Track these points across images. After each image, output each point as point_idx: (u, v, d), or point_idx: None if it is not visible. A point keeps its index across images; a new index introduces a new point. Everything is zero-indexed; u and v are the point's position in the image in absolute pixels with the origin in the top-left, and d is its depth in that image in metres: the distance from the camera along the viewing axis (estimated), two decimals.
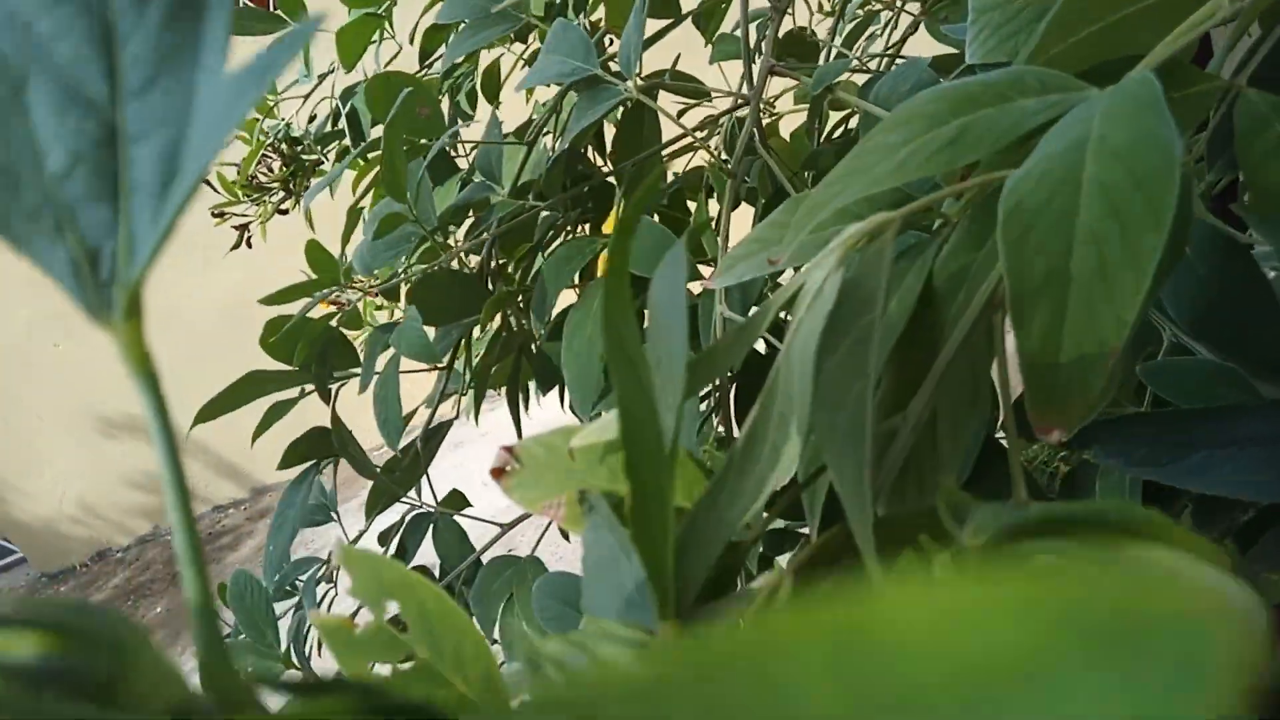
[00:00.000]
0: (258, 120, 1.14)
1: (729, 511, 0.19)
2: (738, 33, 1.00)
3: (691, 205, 0.79)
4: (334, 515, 0.83)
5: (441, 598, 0.23)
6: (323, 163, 1.14)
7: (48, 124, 0.14)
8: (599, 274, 0.65)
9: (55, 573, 3.54)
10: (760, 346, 0.56)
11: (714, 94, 0.71)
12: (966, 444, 0.26)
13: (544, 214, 0.71)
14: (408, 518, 0.79)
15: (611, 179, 0.68)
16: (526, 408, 0.72)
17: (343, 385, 0.70)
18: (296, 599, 0.81)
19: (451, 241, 0.68)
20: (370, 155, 0.76)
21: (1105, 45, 0.30)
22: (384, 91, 0.60)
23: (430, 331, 0.72)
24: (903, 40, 0.80)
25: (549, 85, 0.57)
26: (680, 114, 0.82)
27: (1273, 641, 0.12)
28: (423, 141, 0.64)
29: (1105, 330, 0.21)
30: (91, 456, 3.48)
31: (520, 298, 0.65)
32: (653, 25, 1.00)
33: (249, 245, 1.19)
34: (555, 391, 0.69)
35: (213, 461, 3.45)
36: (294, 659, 0.69)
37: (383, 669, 0.25)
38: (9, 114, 0.14)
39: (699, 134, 0.66)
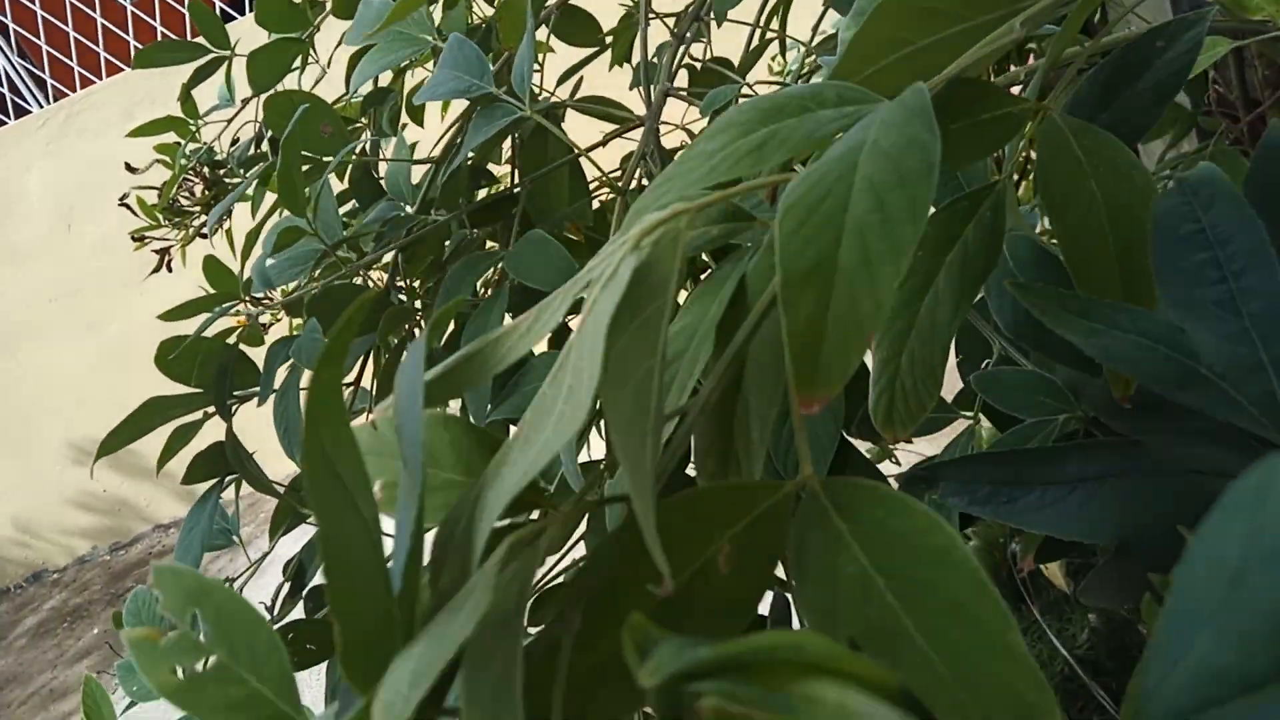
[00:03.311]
0: (179, 145, 1.14)
1: (510, 477, 0.21)
2: (653, 60, 1.03)
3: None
4: (236, 538, 0.82)
5: (235, 598, 0.24)
6: (246, 190, 1.14)
7: None
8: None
9: None
10: None
11: (620, 116, 0.73)
12: (772, 423, 0.28)
13: (454, 231, 0.72)
14: (309, 539, 0.79)
15: (515, 193, 0.70)
16: None
17: (243, 404, 0.70)
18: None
19: (357, 258, 0.69)
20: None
21: (917, 69, 0.32)
22: (285, 109, 0.61)
23: None
24: (810, 71, 0.83)
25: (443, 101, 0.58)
26: (607, 140, 0.84)
27: None
28: (328, 159, 0.65)
29: (865, 314, 0.23)
30: (28, 476, 3.40)
31: (421, 313, 0.66)
32: (577, 53, 1.03)
33: (169, 269, 1.19)
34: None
35: (155, 479, 3.39)
36: None
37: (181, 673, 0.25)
38: None
39: (610, 170, 0.68)
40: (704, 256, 0.54)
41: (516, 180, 0.75)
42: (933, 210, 0.36)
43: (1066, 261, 0.31)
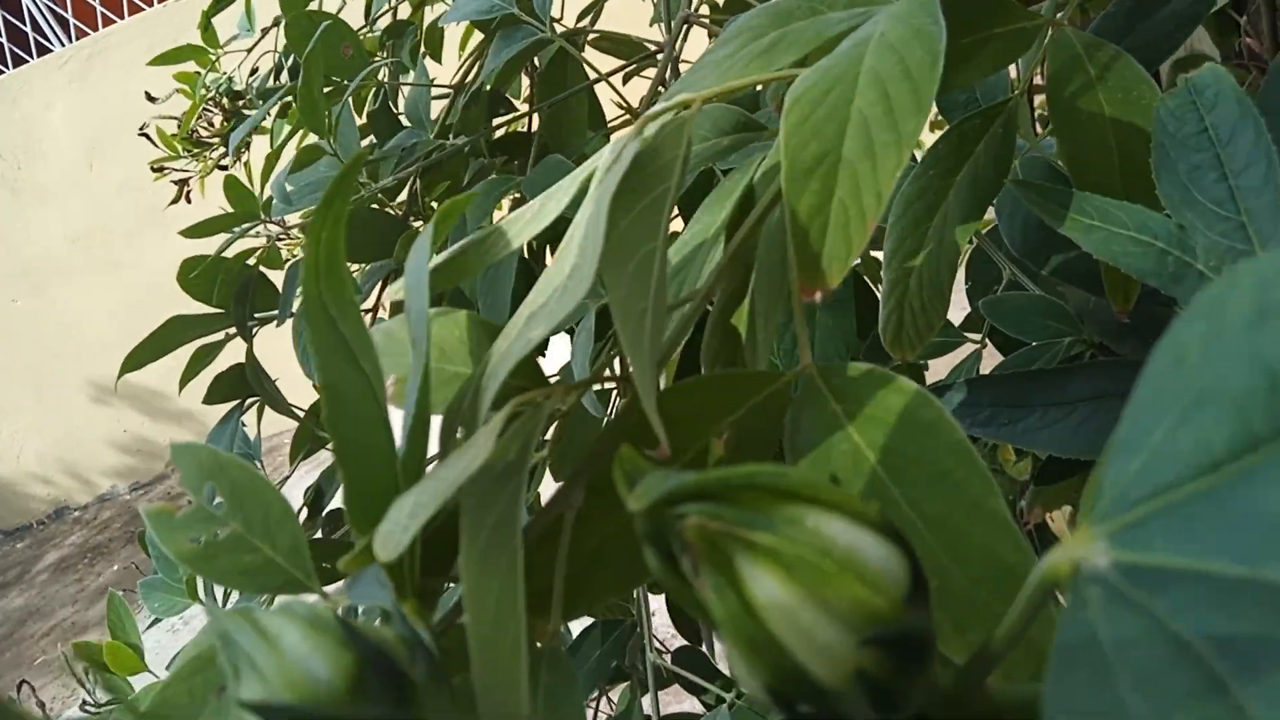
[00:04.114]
0: (199, 74, 1.14)
1: (515, 346, 0.22)
2: None
3: None
4: (258, 463, 0.84)
5: (249, 472, 0.25)
6: (265, 118, 1.15)
7: None
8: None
9: (12, 530, 3.52)
10: None
11: (640, 45, 0.73)
12: (776, 321, 0.28)
13: (472, 160, 0.73)
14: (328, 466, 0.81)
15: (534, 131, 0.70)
16: None
17: (263, 325, 0.72)
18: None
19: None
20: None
21: None
22: (307, 28, 0.62)
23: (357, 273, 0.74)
24: None
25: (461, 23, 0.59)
26: (626, 74, 0.84)
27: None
28: (347, 82, 0.65)
29: (867, 204, 0.23)
30: (52, 414, 3.46)
31: None
32: None
33: (188, 200, 1.19)
34: None
35: (177, 420, 3.43)
36: (199, 594, 0.71)
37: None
38: None
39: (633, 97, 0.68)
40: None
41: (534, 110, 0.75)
42: (946, 130, 0.36)
43: (1070, 172, 0.31)
